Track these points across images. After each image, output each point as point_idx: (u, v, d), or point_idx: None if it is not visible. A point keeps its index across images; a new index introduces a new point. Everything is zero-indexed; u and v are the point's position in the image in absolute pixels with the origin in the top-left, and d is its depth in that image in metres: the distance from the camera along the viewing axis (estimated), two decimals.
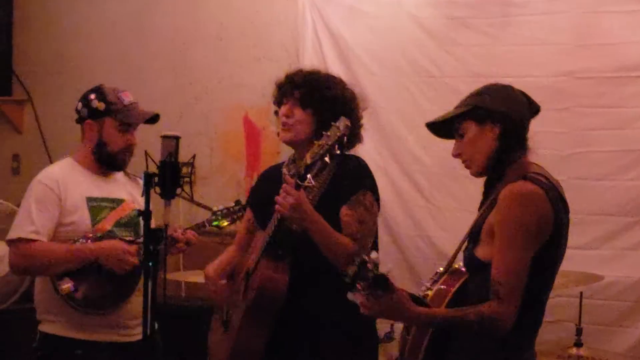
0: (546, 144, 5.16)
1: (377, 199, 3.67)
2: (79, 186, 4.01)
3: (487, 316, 2.93)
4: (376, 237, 3.68)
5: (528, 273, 2.97)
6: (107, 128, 4.01)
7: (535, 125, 5.11)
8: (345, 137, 3.31)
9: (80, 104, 4.07)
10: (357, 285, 2.81)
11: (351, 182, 3.61)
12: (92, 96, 4.04)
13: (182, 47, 6.57)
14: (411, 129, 5.62)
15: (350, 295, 2.84)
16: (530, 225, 3.00)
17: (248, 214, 3.96)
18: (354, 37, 5.88)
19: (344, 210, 3.56)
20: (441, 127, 3.32)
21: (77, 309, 3.91)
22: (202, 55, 6.50)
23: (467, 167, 3.27)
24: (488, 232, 3.08)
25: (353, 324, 3.58)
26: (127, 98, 4.05)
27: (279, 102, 3.76)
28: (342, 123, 3.31)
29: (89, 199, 4.00)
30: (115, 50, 6.74)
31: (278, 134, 3.75)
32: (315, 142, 3.34)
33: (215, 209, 4.25)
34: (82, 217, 3.97)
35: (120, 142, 4.02)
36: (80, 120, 4.09)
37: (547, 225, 3.05)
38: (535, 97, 5.15)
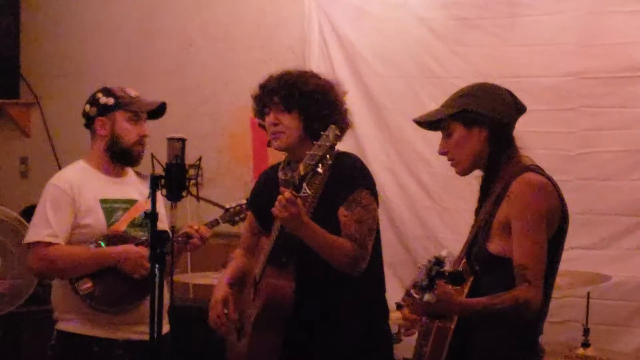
0: (552, 144, 5.22)
1: (375, 195, 3.67)
2: (92, 188, 4.05)
3: (522, 300, 3.01)
4: (378, 231, 3.68)
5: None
6: (119, 122, 4.05)
7: (542, 126, 5.17)
8: (335, 147, 3.33)
9: (87, 106, 4.11)
10: (437, 284, 2.89)
11: (346, 182, 3.61)
12: (99, 94, 4.09)
13: (188, 49, 6.58)
14: (418, 129, 5.44)
15: (427, 297, 2.89)
16: (544, 212, 3.10)
17: (250, 216, 3.98)
18: (361, 38, 5.88)
19: (342, 212, 3.56)
20: (428, 121, 3.43)
21: (96, 308, 3.97)
22: (209, 57, 6.50)
23: (452, 165, 3.36)
24: (501, 227, 3.15)
25: (365, 322, 3.64)
26: (133, 92, 4.12)
27: (261, 114, 3.75)
28: (332, 133, 3.30)
29: (102, 201, 4.05)
30: (122, 53, 6.76)
31: (269, 144, 3.73)
32: (306, 152, 3.33)
33: (227, 206, 4.35)
34: (97, 219, 4.02)
35: (133, 133, 4.05)
36: (89, 122, 4.11)
37: (557, 213, 3.17)
38: (542, 97, 5.23)
